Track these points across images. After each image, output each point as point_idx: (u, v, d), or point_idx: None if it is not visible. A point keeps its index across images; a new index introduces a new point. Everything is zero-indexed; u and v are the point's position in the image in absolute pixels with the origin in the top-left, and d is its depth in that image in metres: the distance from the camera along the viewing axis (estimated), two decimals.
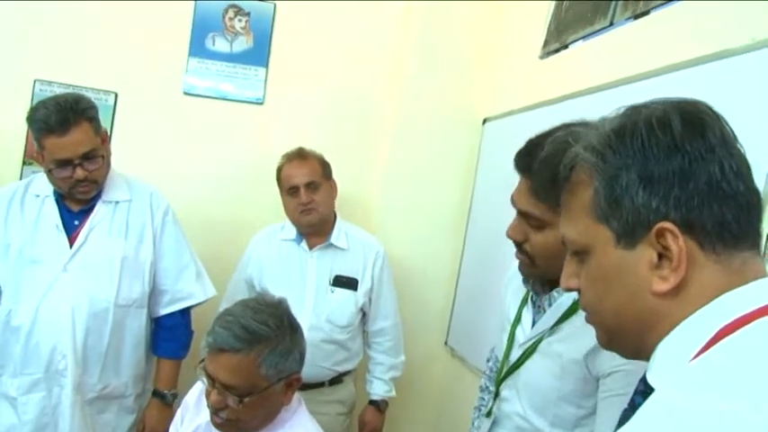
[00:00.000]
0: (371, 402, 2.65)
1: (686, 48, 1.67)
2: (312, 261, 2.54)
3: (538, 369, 1.53)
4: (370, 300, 2.58)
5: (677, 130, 0.77)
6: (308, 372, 2.42)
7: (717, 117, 0.81)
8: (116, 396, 2.25)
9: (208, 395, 1.57)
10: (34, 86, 2.87)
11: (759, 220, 0.79)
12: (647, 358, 0.81)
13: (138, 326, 2.27)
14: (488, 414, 1.70)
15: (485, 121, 3.00)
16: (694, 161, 0.76)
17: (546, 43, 2.56)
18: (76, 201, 2.21)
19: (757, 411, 0.62)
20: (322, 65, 3.06)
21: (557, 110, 2.29)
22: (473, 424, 1.92)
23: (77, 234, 2.18)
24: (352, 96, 3.09)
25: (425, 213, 2.96)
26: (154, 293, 2.31)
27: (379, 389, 2.64)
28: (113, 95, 2.95)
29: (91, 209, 2.22)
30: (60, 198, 2.21)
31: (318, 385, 2.52)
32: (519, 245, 1.47)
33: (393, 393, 2.66)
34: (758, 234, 0.79)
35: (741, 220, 0.77)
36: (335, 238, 2.55)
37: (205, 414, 1.68)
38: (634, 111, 0.83)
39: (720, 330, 0.72)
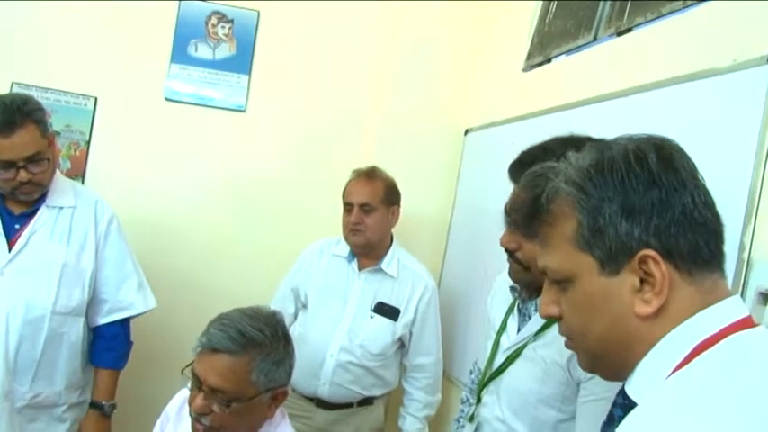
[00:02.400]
0: None
1: (668, 66, 1.70)
2: (358, 282, 2.50)
3: (520, 373, 1.57)
4: (410, 332, 2.51)
5: (654, 164, 0.84)
6: (336, 392, 2.42)
7: (683, 153, 0.87)
8: (47, 405, 2.18)
9: (192, 401, 1.54)
10: (11, 89, 2.83)
11: (723, 244, 0.86)
12: (625, 379, 0.86)
13: (75, 334, 2.20)
14: (471, 419, 1.73)
15: (467, 132, 3.02)
16: (670, 193, 0.82)
17: (529, 56, 2.58)
18: (19, 204, 2.15)
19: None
20: (305, 73, 3.06)
21: (539, 123, 2.31)
22: None
23: (17, 238, 2.12)
24: (334, 105, 3.09)
25: (406, 224, 2.96)
26: (93, 302, 2.26)
27: (411, 426, 2.56)
28: (93, 100, 2.92)
29: (33, 213, 2.16)
30: (2, 201, 2.15)
31: (346, 406, 2.49)
32: (511, 253, 1.50)
33: (426, 431, 2.60)
34: (723, 258, 0.86)
35: (711, 245, 0.83)
36: (386, 264, 2.50)
37: (186, 425, 1.65)
38: (605, 147, 0.88)
39: (696, 347, 0.79)
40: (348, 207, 2.48)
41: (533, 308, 1.57)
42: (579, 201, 0.85)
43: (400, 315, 2.47)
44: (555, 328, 1.49)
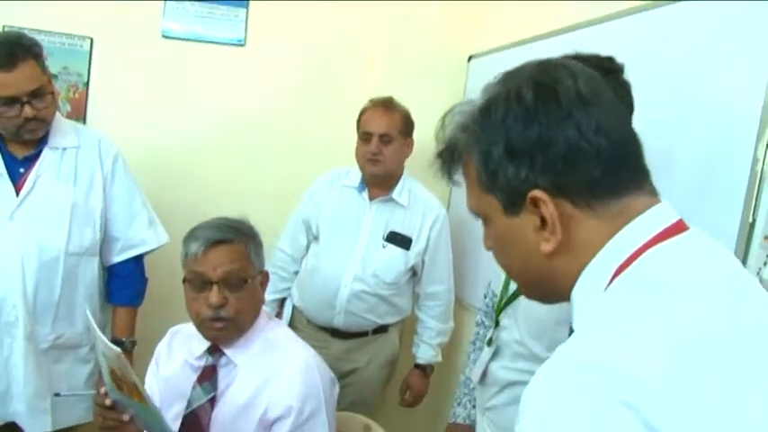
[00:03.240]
0: (417, 366, 2.65)
1: None
2: (370, 212, 2.51)
3: None
4: (423, 261, 2.54)
5: (530, 100, 0.81)
6: (351, 320, 2.47)
7: (573, 77, 0.82)
8: (71, 346, 2.23)
9: (205, 301, 1.61)
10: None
11: (636, 163, 0.83)
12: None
13: (90, 274, 2.24)
14: (489, 343, 1.77)
15: (470, 59, 2.98)
16: (551, 128, 0.79)
17: None
18: (21, 147, 2.14)
19: (650, 358, 0.68)
20: (304, 4, 2.99)
21: (543, 46, 2.28)
22: (469, 357, 1.99)
23: (24, 182, 2.12)
24: (335, 36, 3.03)
25: (412, 152, 2.97)
26: (106, 241, 2.28)
27: (425, 353, 2.62)
28: (89, 41, 2.86)
29: (37, 155, 2.15)
30: (3, 145, 2.14)
31: (362, 334, 2.54)
32: None
33: (439, 358, 2.65)
34: (639, 175, 0.83)
35: (608, 174, 0.80)
36: (397, 193, 2.51)
37: (178, 357, 1.78)
38: (498, 84, 0.86)
39: (614, 272, 0.78)
40: (366, 136, 2.48)
41: None
42: (472, 147, 0.86)
43: (412, 244, 2.49)
44: None
